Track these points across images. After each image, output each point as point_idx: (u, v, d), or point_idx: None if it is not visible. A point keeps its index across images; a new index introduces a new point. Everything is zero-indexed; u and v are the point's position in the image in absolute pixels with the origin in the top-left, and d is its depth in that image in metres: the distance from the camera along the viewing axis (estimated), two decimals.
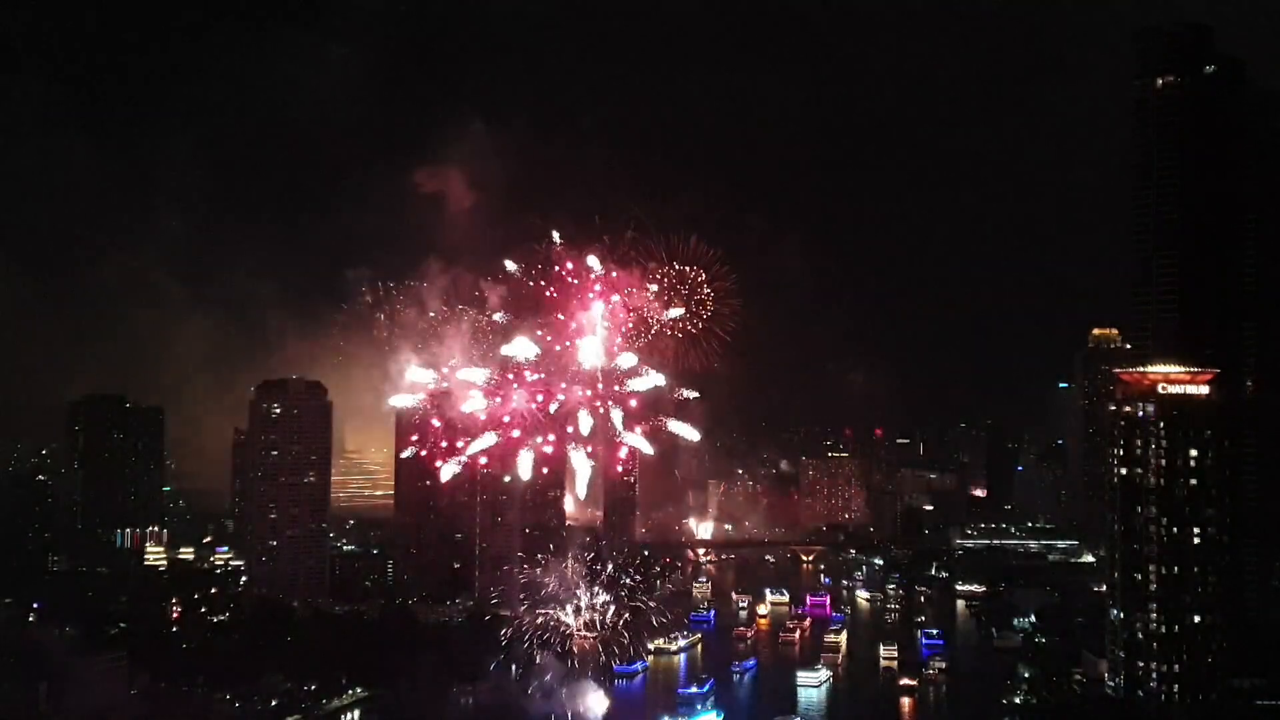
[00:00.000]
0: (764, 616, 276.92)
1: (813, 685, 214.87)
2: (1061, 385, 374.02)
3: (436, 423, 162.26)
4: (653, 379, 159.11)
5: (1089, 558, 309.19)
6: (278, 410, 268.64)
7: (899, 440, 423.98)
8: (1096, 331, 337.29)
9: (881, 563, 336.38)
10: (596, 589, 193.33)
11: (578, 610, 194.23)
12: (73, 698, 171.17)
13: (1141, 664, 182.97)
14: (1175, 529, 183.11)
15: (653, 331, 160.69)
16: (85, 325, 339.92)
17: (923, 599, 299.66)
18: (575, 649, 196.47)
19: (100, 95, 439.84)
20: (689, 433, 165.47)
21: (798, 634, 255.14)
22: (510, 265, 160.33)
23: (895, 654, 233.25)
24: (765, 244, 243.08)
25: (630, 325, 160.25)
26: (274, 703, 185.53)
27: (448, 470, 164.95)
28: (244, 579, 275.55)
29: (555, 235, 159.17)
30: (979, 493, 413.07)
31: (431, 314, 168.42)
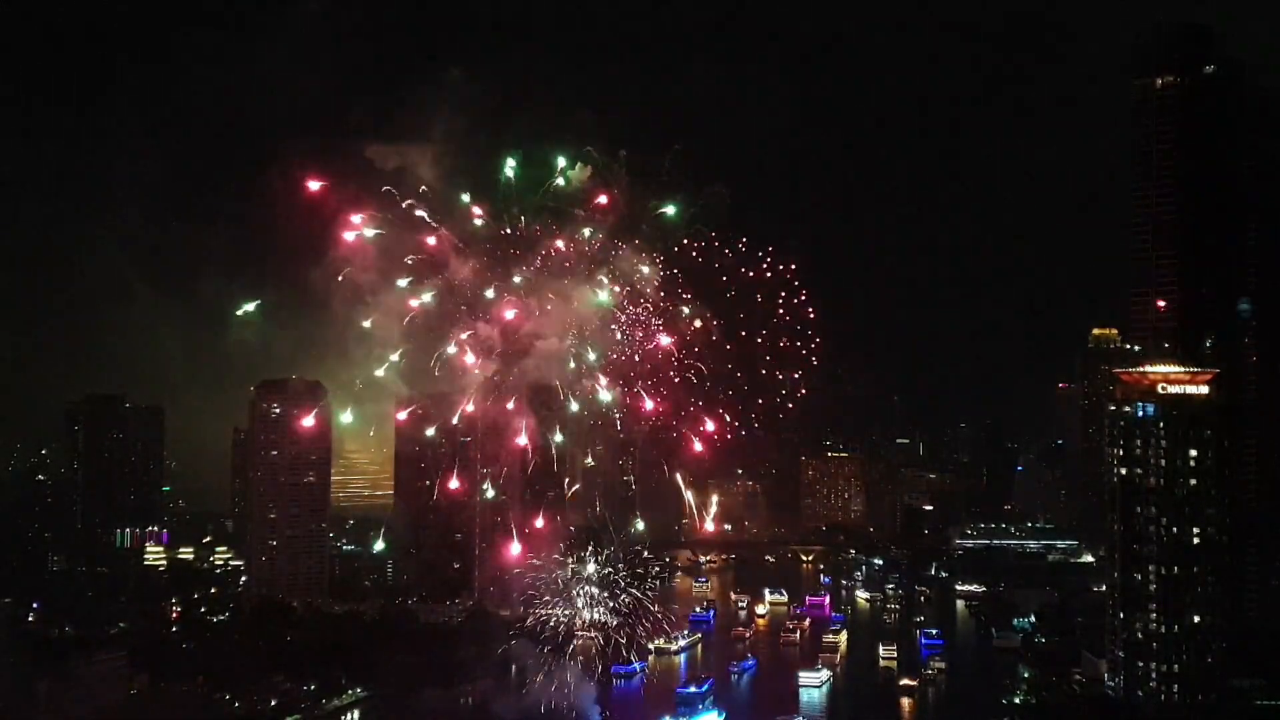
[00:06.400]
0: (763, 616, 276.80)
1: (813, 685, 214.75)
2: (1061, 385, 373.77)
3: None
4: None
5: (1089, 558, 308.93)
6: (277, 410, 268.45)
7: (899, 440, 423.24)
8: (1096, 331, 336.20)
9: (881, 563, 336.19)
10: (595, 588, 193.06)
11: (577, 609, 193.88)
12: (73, 698, 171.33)
13: (1141, 664, 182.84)
14: (1175, 529, 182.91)
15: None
16: (85, 325, 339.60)
17: (922, 599, 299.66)
18: (574, 648, 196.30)
19: (84, 88, 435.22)
20: None
21: (797, 634, 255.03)
22: None
23: (895, 654, 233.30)
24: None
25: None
26: (274, 703, 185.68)
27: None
28: (244, 579, 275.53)
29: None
30: (979, 493, 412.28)
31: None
